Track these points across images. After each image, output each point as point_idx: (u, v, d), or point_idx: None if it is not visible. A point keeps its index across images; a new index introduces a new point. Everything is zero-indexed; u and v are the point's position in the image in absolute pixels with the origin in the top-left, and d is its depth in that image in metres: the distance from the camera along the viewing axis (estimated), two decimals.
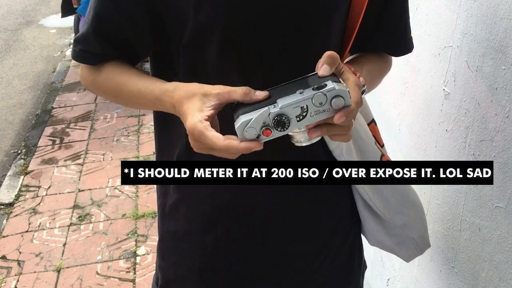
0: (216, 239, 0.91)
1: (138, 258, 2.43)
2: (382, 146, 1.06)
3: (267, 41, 0.78)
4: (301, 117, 0.66)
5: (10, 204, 2.88)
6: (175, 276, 0.97)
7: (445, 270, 1.25)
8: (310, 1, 0.77)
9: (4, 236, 2.62)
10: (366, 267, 1.11)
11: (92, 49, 0.83)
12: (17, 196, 2.93)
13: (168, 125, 0.90)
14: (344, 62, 0.89)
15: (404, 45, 0.95)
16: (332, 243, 0.97)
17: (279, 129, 0.66)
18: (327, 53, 0.69)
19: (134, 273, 2.35)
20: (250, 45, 0.78)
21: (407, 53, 0.96)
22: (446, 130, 1.19)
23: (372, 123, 1.01)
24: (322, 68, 0.68)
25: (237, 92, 0.70)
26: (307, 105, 0.65)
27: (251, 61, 0.79)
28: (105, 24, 0.81)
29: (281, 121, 0.66)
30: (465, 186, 1.12)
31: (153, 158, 3.22)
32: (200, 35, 0.77)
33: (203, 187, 0.89)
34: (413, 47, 0.96)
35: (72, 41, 5.24)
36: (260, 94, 0.70)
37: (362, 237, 1.06)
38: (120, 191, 2.94)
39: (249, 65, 0.79)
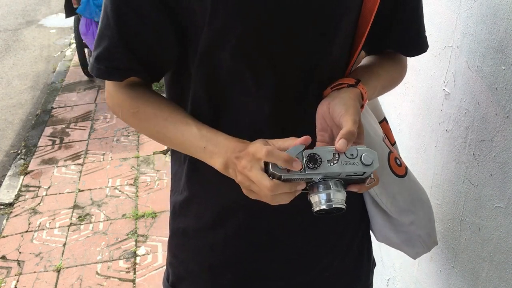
0: (225, 236, 0.92)
1: (138, 258, 2.43)
2: (394, 144, 1.07)
3: (279, 43, 0.79)
4: (332, 163, 0.70)
5: (10, 204, 2.88)
6: (186, 272, 0.99)
7: (445, 270, 1.25)
8: (323, 3, 0.78)
9: (4, 236, 2.62)
10: (375, 264, 1.11)
11: (117, 64, 0.81)
12: (17, 196, 2.94)
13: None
14: (359, 65, 0.91)
15: (418, 45, 0.93)
16: (341, 243, 0.97)
17: (310, 165, 0.69)
18: (347, 128, 0.71)
19: (134, 273, 2.35)
20: (262, 47, 0.79)
21: (421, 53, 0.94)
22: (446, 130, 1.19)
23: (383, 122, 1.02)
24: (340, 142, 0.70)
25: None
26: (339, 154, 0.70)
27: (264, 63, 0.80)
28: (129, 35, 0.79)
29: (313, 158, 0.69)
30: (465, 186, 1.12)
31: (153, 158, 3.23)
32: (215, 40, 0.78)
33: (213, 185, 0.89)
34: (427, 47, 0.94)
35: (72, 41, 5.24)
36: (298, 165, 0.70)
37: (371, 234, 1.07)
38: (120, 191, 2.94)
39: (261, 67, 0.80)
